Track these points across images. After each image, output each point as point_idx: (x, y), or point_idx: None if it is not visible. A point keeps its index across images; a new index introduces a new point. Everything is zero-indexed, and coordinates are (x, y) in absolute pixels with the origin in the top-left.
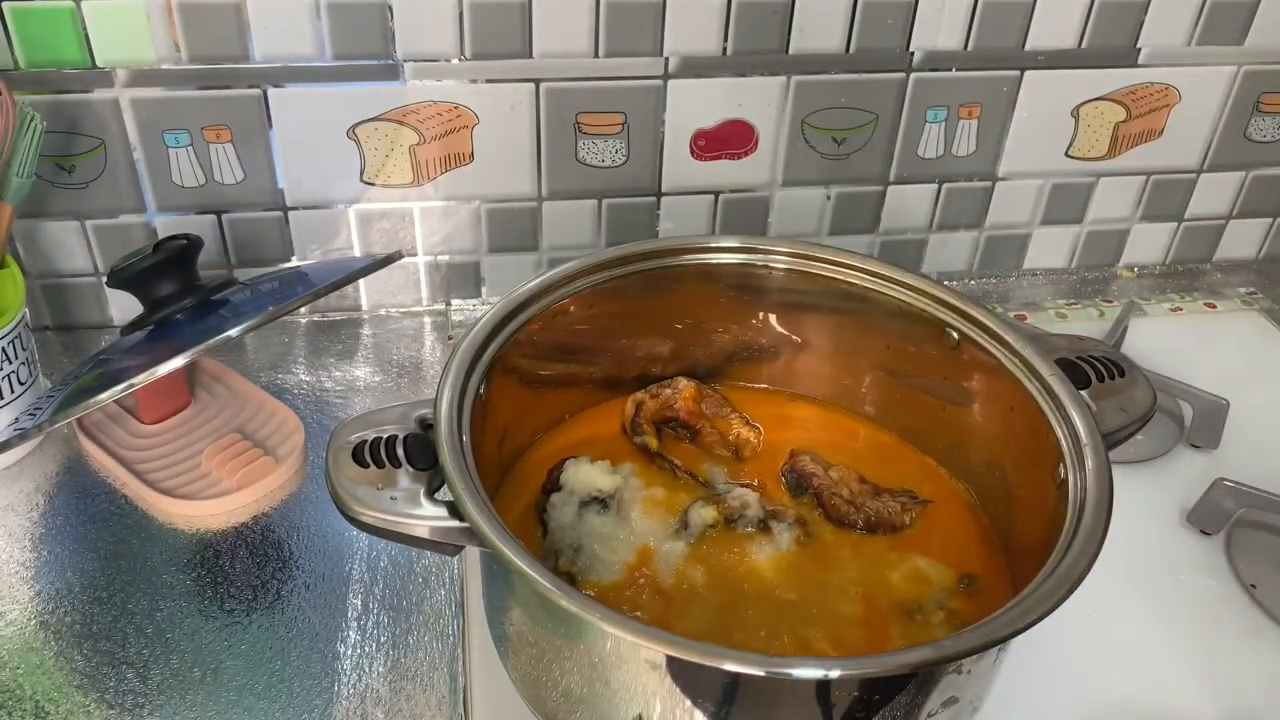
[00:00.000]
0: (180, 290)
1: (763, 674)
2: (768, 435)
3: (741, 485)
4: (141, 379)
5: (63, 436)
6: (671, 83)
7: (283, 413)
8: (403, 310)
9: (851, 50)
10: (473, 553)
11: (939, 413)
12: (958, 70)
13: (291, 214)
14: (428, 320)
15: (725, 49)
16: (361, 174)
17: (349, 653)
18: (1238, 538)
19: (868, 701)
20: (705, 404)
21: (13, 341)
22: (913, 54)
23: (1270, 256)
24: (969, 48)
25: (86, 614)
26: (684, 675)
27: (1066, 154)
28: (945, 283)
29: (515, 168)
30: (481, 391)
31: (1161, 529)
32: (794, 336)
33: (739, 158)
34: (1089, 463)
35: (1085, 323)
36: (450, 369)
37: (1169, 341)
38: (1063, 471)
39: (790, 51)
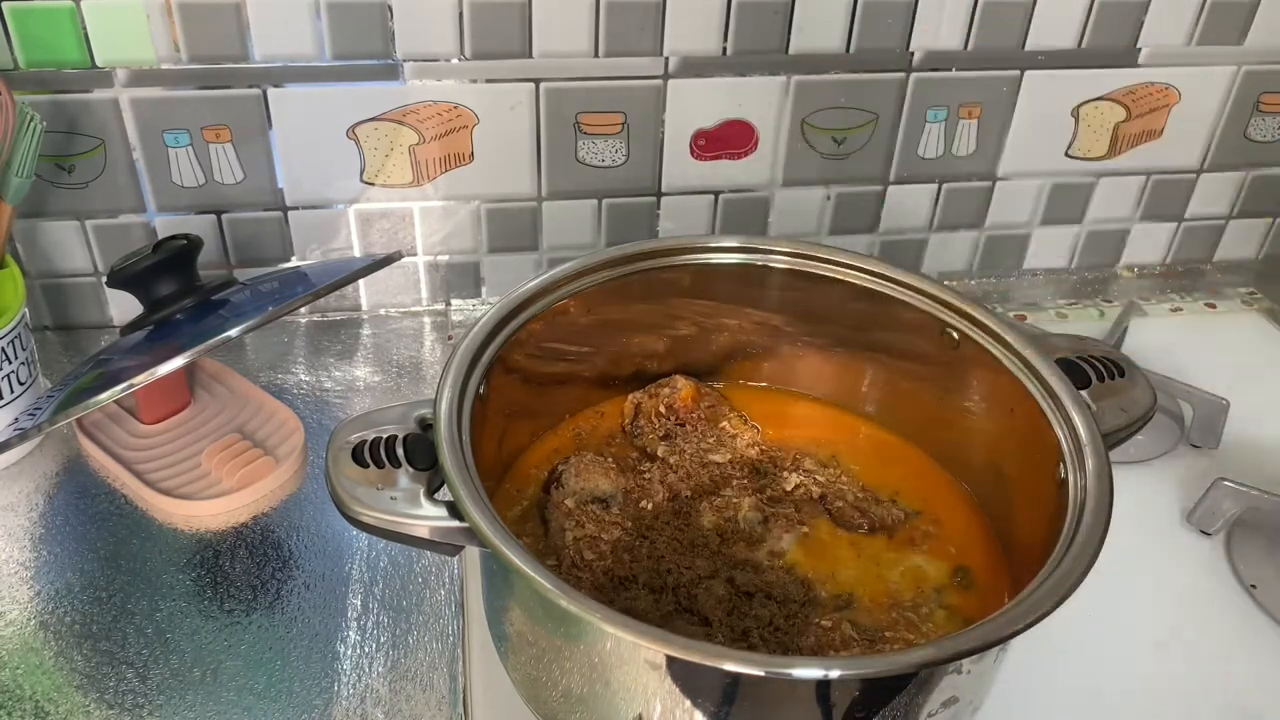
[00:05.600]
0: (180, 290)
1: (763, 674)
2: (766, 434)
3: (740, 484)
4: (141, 379)
5: (63, 436)
6: (671, 83)
7: (283, 413)
8: (403, 310)
9: (851, 50)
10: (473, 553)
11: (939, 412)
12: (958, 70)
13: (291, 214)
14: (428, 320)
15: (725, 49)
16: (361, 174)
17: (349, 653)
18: (1238, 538)
19: (868, 701)
20: (704, 403)
21: (12, 341)
22: (913, 54)
23: (1270, 256)
24: (969, 48)
25: (86, 614)
26: (684, 675)
27: (1066, 154)
28: (945, 283)
29: (515, 168)
30: (481, 391)
31: (1161, 529)
32: (793, 336)
33: (739, 158)
34: (1089, 463)
35: (1085, 323)
36: (450, 369)
37: (1169, 341)
38: (1063, 471)
39: (790, 51)
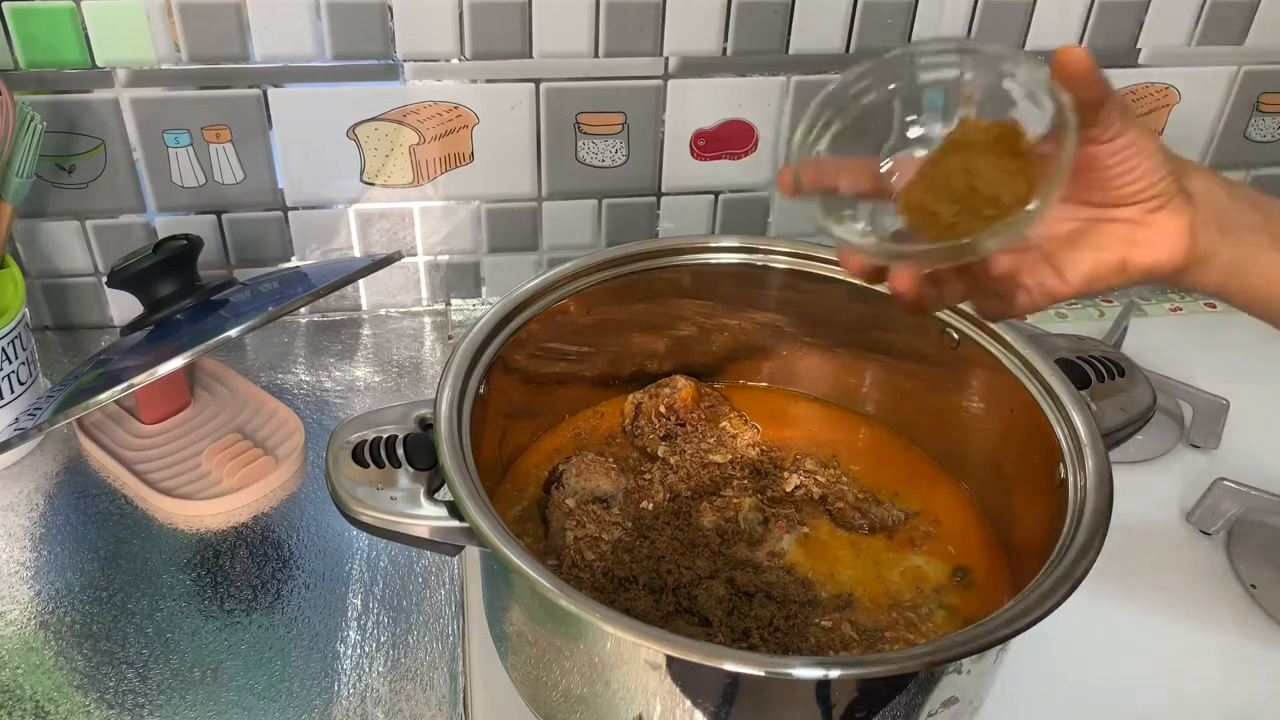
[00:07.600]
0: (180, 290)
1: (763, 674)
2: (767, 434)
3: (740, 484)
4: (141, 379)
5: (63, 436)
6: (671, 83)
7: (283, 413)
8: (403, 310)
9: (851, 50)
10: (473, 553)
11: (939, 412)
12: None
13: (291, 214)
14: (428, 320)
15: (725, 49)
16: (361, 174)
17: (349, 653)
18: (1238, 538)
19: (868, 701)
20: (704, 403)
21: (13, 341)
22: None
23: None
24: None
25: (86, 614)
26: (684, 675)
27: None
28: None
29: (515, 168)
30: (481, 391)
31: (1161, 529)
32: (793, 336)
33: (739, 158)
34: (1089, 463)
35: (1085, 323)
36: (450, 369)
37: (1169, 341)
38: (1063, 471)
39: (790, 51)
